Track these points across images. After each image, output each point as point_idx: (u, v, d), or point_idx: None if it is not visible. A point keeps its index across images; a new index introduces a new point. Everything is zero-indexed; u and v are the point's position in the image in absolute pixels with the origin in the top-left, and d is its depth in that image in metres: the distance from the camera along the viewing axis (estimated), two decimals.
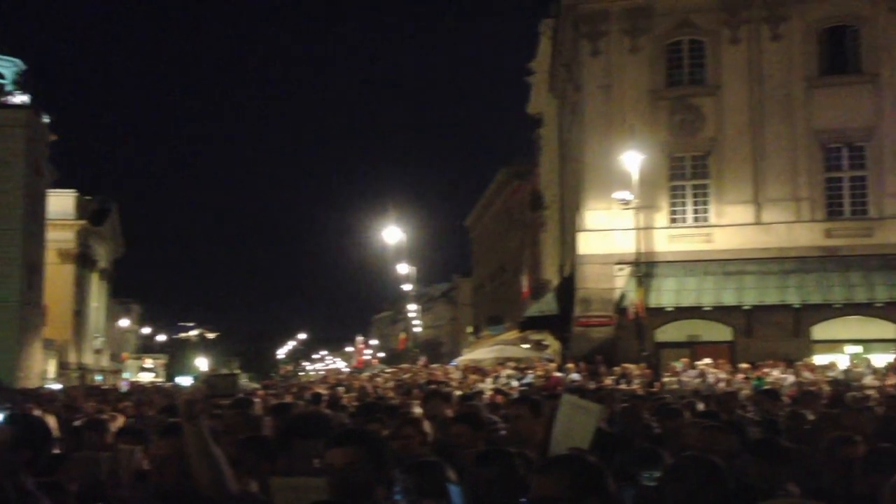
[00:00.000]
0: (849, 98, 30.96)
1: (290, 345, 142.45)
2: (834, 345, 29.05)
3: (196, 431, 4.03)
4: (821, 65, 31.58)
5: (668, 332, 30.68)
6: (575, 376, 25.49)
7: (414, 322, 73.54)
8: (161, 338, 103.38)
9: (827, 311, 29.27)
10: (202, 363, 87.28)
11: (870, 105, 30.85)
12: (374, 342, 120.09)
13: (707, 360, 25.98)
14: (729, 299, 29.81)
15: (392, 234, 45.91)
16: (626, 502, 4.99)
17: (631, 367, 25.66)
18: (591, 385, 21.63)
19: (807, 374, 23.13)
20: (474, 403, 10.27)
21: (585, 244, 32.15)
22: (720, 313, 30.02)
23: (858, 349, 28.40)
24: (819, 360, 26.72)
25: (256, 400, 12.05)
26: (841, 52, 31.58)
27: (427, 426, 7.66)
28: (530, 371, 28.44)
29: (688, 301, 30.06)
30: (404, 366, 39.24)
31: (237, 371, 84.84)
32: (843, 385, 18.90)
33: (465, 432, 6.48)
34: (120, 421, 10.83)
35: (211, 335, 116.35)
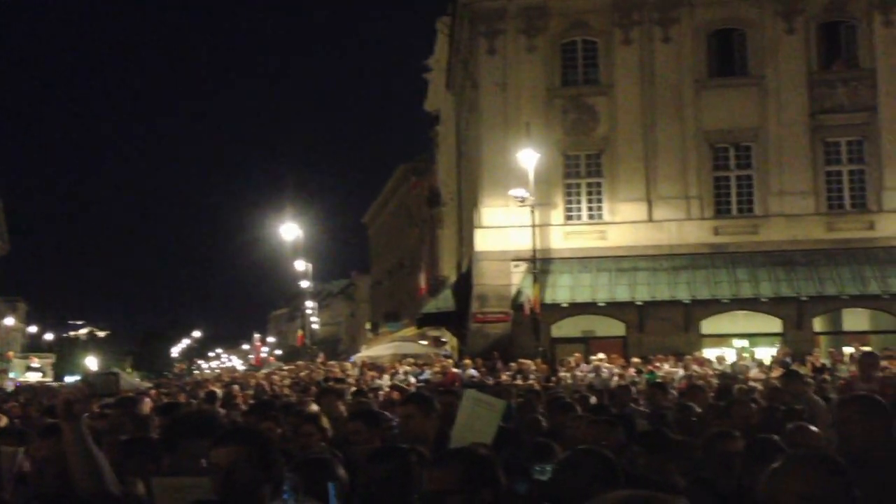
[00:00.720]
0: (736, 99, 31.85)
1: (185, 343, 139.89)
2: (722, 339, 29.91)
3: (74, 432, 3.90)
4: (709, 67, 32.41)
5: (564, 328, 31.11)
6: (472, 372, 25.64)
7: (312, 319, 72.96)
8: (49, 336, 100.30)
9: (715, 307, 30.08)
10: (92, 362, 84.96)
11: (756, 106, 31.79)
12: (271, 339, 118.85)
13: (601, 355, 26.43)
14: (622, 295, 30.38)
15: (289, 230, 45.51)
16: (518, 495, 5.05)
17: (527, 362, 25.93)
18: (489, 381, 21.79)
19: (696, 368, 23.72)
20: (367, 400, 10.25)
21: (482, 241, 32.37)
22: (613, 309, 30.56)
23: (745, 343, 29.30)
24: (708, 353, 27.44)
25: (146, 399, 11.81)
26: (729, 54, 32.47)
27: (326, 423, 7.61)
28: (428, 367, 28.51)
29: (582, 297, 30.52)
30: (301, 363, 38.88)
31: (128, 370, 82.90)
32: (731, 378, 19.42)
33: (359, 429, 6.45)
34: (3, 422, 10.46)
35: (101, 333, 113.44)
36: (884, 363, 22.39)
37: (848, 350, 24.71)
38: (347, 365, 32.47)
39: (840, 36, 32.04)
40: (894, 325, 28.81)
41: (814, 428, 6.35)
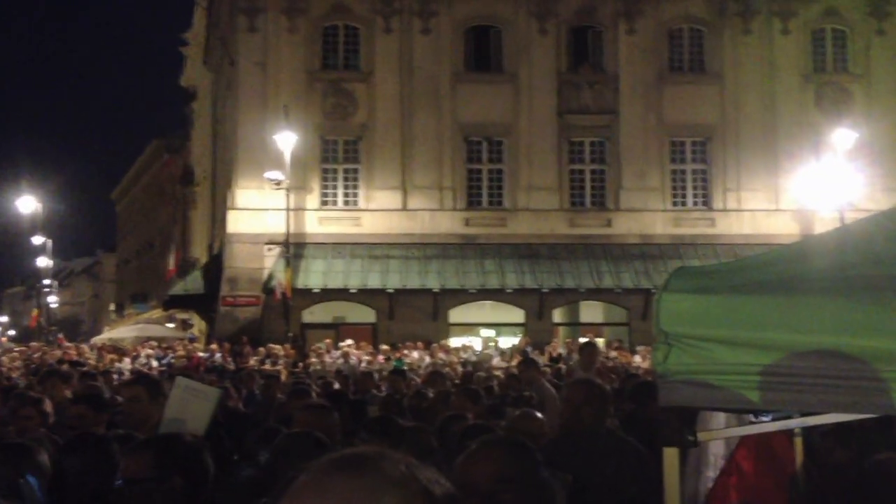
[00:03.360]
0: (491, 95, 32.74)
1: None
2: (469, 328, 30.75)
3: None
4: (467, 61, 33.12)
5: (315, 314, 30.96)
6: (218, 356, 25.03)
7: (50, 298, 69.00)
8: None
9: (463, 296, 30.85)
10: None
11: (509, 103, 32.80)
12: (3, 319, 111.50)
13: (350, 342, 26.47)
14: (374, 282, 30.56)
15: (27, 203, 42.79)
16: (243, 481, 4.90)
17: (276, 347, 25.59)
18: (232, 366, 21.33)
19: (442, 356, 24.22)
20: (95, 384, 9.76)
21: (235, 223, 31.65)
22: (365, 296, 30.70)
23: (491, 332, 30.25)
24: (455, 342, 28.10)
25: None
26: (485, 50, 33.29)
27: (49, 406, 7.25)
28: (172, 351, 27.58)
29: (335, 283, 30.46)
30: (34, 344, 36.63)
31: None
32: (474, 366, 19.95)
33: (84, 413, 6.28)
34: None
35: None
36: (613, 353, 23.75)
37: (583, 340, 26.01)
38: (85, 347, 30.86)
39: (588, 40, 33.56)
40: (626, 318, 30.60)
41: (538, 414, 6.55)
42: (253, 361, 23.41)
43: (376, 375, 14.83)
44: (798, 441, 5.05)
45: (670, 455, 3.09)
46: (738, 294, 3.25)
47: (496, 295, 30.92)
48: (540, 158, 32.49)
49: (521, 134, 32.67)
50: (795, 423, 3.36)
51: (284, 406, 8.36)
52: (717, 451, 4.23)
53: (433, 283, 30.59)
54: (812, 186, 30.39)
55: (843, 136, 29.82)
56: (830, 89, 33.25)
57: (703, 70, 33.46)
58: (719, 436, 3.58)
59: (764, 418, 3.66)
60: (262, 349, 25.83)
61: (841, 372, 2.96)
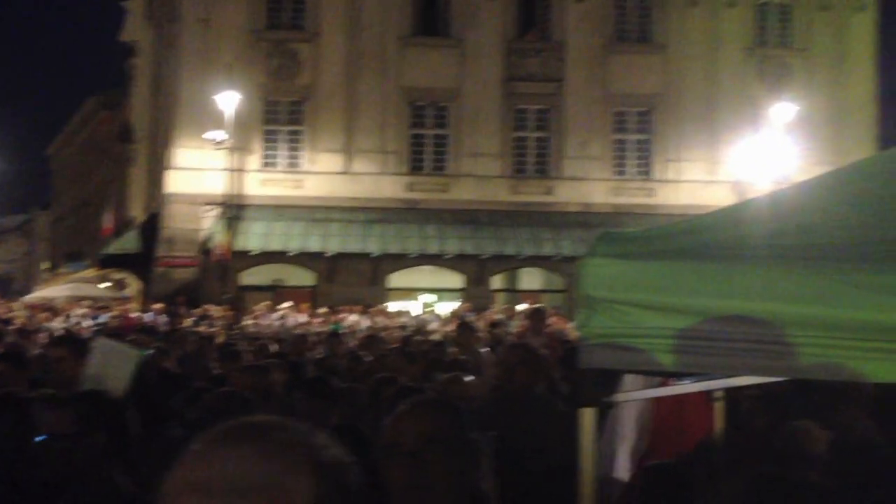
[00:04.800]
0: (437, 59, 32.60)
1: None
2: (408, 293, 30.79)
3: None
4: (414, 25, 32.90)
5: (254, 276, 30.77)
6: (150, 317, 24.78)
7: None
8: None
9: (404, 261, 30.87)
10: None
11: (455, 68, 32.69)
12: None
13: (288, 304, 26.38)
14: (314, 245, 30.41)
15: None
16: (171, 439, 4.89)
17: (213, 308, 25.40)
18: (165, 327, 21.14)
19: (380, 320, 24.25)
20: (17, 342, 9.64)
21: (174, 182, 31.25)
22: (305, 259, 30.57)
23: (431, 297, 30.34)
24: (394, 306, 28.14)
25: None
26: (433, 14, 33.08)
27: None
28: (105, 311, 27.23)
29: (274, 245, 30.25)
30: None
31: None
32: (411, 330, 20.02)
33: (4, 370, 6.21)
34: None
35: None
36: (551, 320, 23.97)
37: (521, 307, 26.20)
38: (15, 305, 30.30)
39: (536, 7, 33.51)
40: (564, 286, 30.86)
41: (469, 378, 6.62)
42: (188, 322, 23.22)
43: (313, 338, 14.82)
44: (719, 405, 5.18)
45: (587, 416, 3.16)
46: (658, 260, 3.32)
47: (436, 260, 30.98)
48: (484, 125, 32.49)
49: (467, 100, 32.61)
50: (709, 385, 3.44)
51: (215, 367, 8.34)
52: (635, 413, 4.32)
53: (373, 248, 30.55)
54: (750, 159, 30.83)
55: (783, 110, 30.26)
56: (772, 63, 33.64)
57: (649, 40, 33.64)
58: (635, 397, 3.66)
59: (684, 381, 3.75)
60: (197, 310, 25.62)
61: (752, 336, 3.04)
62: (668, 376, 3.47)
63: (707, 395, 5.09)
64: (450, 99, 32.77)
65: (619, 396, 3.43)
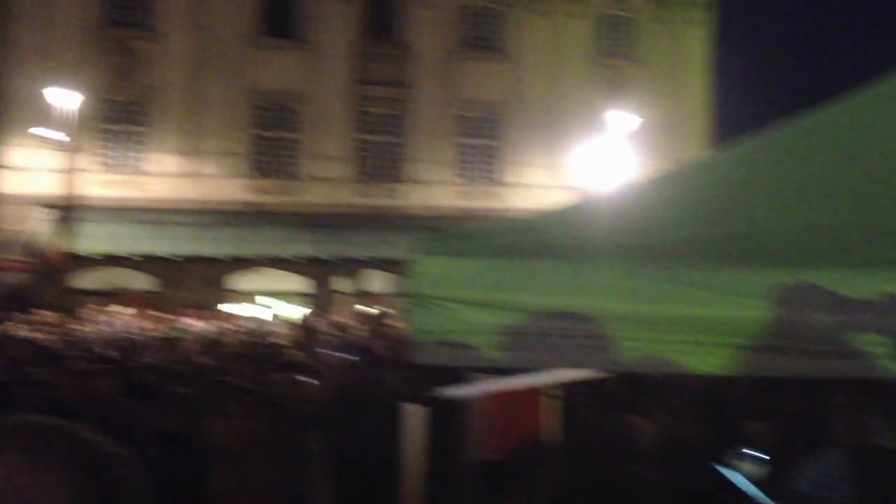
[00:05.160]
0: (286, 61, 32.24)
1: None
2: (253, 296, 30.30)
3: None
4: (262, 25, 32.43)
5: (93, 280, 29.67)
6: None
7: None
8: None
9: (249, 264, 30.38)
10: None
11: (304, 70, 32.41)
12: None
13: (127, 309, 25.55)
14: (156, 249, 29.59)
15: None
16: None
17: (46, 313, 24.34)
18: None
19: (222, 324, 23.76)
20: None
21: (5, 182, 29.85)
22: (147, 263, 29.71)
23: (276, 301, 29.92)
24: (238, 310, 27.63)
25: None
26: (282, 15, 32.68)
27: None
28: None
29: (115, 248, 29.27)
30: None
31: None
32: (254, 334, 19.69)
33: None
34: None
35: None
36: (393, 321, 24.02)
37: (365, 309, 26.11)
38: None
39: (385, 11, 33.56)
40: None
41: (302, 378, 6.59)
42: (20, 328, 22.18)
43: (151, 343, 14.41)
44: (552, 400, 5.29)
45: (413, 412, 3.18)
46: (488, 258, 3.37)
47: (282, 264, 30.62)
48: (332, 128, 32.34)
49: (314, 102, 32.38)
50: (536, 379, 3.52)
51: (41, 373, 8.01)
52: (470, 408, 4.38)
53: (219, 251, 29.96)
54: (590, 165, 31.72)
55: (622, 118, 31.27)
56: (612, 73, 34.72)
57: (495, 48, 34.18)
58: (465, 393, 3.71)
59: (519, 376, 3.81)
60: (29, 316, 24.50)
61: (575, 331, 3.12)
62: (496, 372, 3.53)
63: (538, 392, 5.20)
64: (297, 101, 32.47)
65: (450, 392, 3.47)
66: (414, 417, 3.24)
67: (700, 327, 3.08)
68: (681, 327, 3.10)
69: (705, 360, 3.09)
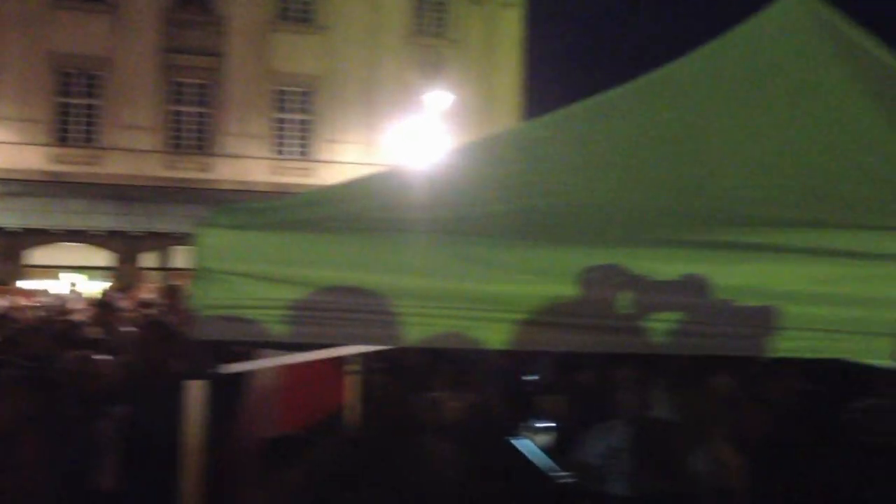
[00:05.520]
0: (89, 25, 30.79)
1: None
2: (52, 270, 28.91)
3: None
4: None
5: None
6: None
7: None
8: None
9: (47, 237, 28.98)
10: None
11: (109, 35, 31.04)
12: None
13: None
14: None
15: None
16: None
17: None
18: None
19: (16, 299, 22.60)
20: None
21: None
22: None
23: (77, 276, 28.66)
24: (34, 285, 26.33)
25: None
26: None
27: None
28: None
29: None
30: None
31: None
32: (50, 309, 18.82)
33: None
34: None
35: None
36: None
37: (171, 285, 25.41)
38: None
39: None
40: None
41: (100, 357, 6.34)
42: None
43: None
44: (352, 377, 5.27)
45: (194, 388, 3.08)
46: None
47: (83, 237, 29.35)
48: (139, 97, 31.17)
49: (121, 69, 31.09)
50: (321, 354, 3.48)
51: None
52: (256, 384, 4.30)
53: (12, 222, 28.42)
54: (405, 143, 31.88)
55: (438, 97, 31.54)
56: (428, 52, 34.93)
57: (311, 21, 33.75)
58: (250, 367, 3.63)
59: (307, 352, 3.75)
60: None
61: (360, 306, 3.10)
62: (282, 347, 3.47)
63: (339, 367, 5.17)
64: (102, 68, 31.10)
65: (234, 367, 3.39)
66: (195, 394, 3.13)
67: (490, 303, 3.10)
68: (472, 303, 3.12)
69: (490, 335, 3.12)
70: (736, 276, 3.02)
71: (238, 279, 3.17)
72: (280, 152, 33.07)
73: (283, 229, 3.28)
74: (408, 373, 6.42)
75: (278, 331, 3.14)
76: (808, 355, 3.06)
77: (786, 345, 3.03)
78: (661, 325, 3.05)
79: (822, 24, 4.46)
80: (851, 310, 3.00)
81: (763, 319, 3.01)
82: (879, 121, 3.84)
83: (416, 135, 31.39)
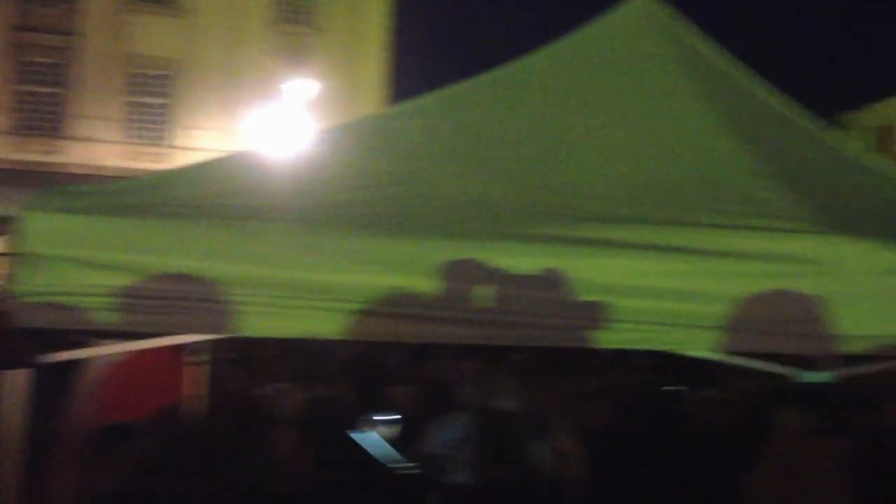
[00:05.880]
0: None
1: None
2: None
3: None
4: None
5: None
6: None
7: None
8: None
9: None
10: None
11: None
12: None
13: None
14: None
15: None
16: None
17: None
18: None
19: None
20: None
21: None
22: None
23: None
24: None
25: None
26: None
27: None
28: None
29: None
30: None
31: None
32: None
33: None
34: None
35: None
36: None
37: None
38: None
39: None
40: None
41: None
42: None
43: None
44: (200, 368, 5.17)
45: (13, 378, 2.96)
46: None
47: None
48: None
49: None
50: (160, 342, 3.38)
51: None
52: (83, 373, 4.17)
53: None
54: (266, 131, 31.41)
55: (301, 85, 31.19)
56: (292, 39, 34.50)
57: (171, 3, 32.87)
58: (76, 357, 3.51)
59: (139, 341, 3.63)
60: None
61: (193, 295, 3.03)
62: (110, 336, 3.36)
63: (180, 358, 5.06)
64: None
65: (60, 356, 3.26)
66: (16, 383, 3.00)
67: (320, 292, 3.08)
68: (302, 291, 3.08)
69: (324, 325, 3.09)
70: (581, 271, 3.09)
71: (64, 265, 3.05)
72: (135, 137, 32.10)
73: (114, 214, 3.18)
74: (254, 363, 6.34)
75: (104, 318, 3.03)
76: (632, 346, 3.15)
77: (611, 336, 3.11)
78: (532, 319, 3.09)
79: (662, 28, 4.60)
80: (676, 303, 3.11)
81: (591, 312, 3.09)
82: (711, 123, 3.99)
83: (276, 122, 30.98)
